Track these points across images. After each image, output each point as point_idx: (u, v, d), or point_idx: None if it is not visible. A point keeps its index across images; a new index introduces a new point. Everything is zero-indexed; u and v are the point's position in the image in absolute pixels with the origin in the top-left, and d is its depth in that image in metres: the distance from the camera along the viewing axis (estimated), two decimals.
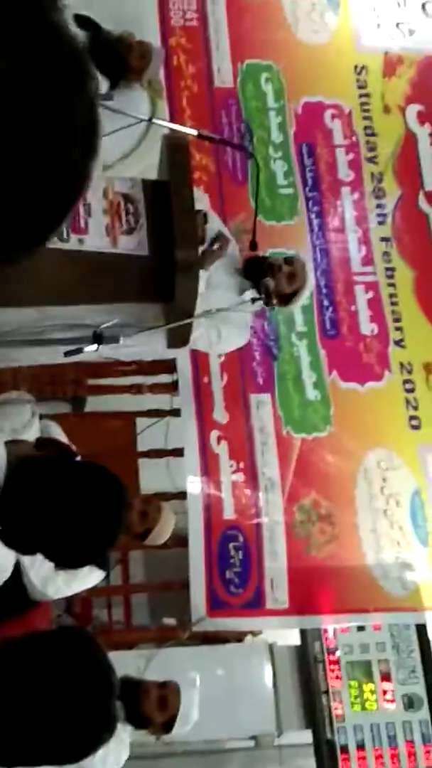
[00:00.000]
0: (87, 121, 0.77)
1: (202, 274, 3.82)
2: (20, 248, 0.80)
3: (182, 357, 5.22)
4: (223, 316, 4.02)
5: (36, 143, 0.72)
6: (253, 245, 4.16)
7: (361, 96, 6.13)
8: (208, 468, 5.15)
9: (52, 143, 0.73)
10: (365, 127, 6.07)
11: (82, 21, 4.45)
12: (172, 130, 4.30)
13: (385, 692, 5.04)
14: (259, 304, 4.12)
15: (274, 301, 4.13)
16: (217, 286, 4.00)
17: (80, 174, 0.78)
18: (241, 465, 5.20)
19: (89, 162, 0.79)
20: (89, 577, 4.10)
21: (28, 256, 0.81)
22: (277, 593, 5.04)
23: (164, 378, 5.45)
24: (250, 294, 4.10)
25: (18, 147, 0.71)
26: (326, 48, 6.21)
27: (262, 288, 4.11)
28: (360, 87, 6.14)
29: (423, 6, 6.39)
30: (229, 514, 5.10)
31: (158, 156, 3.99)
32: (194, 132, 4.07)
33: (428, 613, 5.14)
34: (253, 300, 4.09)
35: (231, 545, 5.06)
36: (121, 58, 4.94)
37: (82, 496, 2.53)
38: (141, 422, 5.66)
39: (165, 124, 4.40)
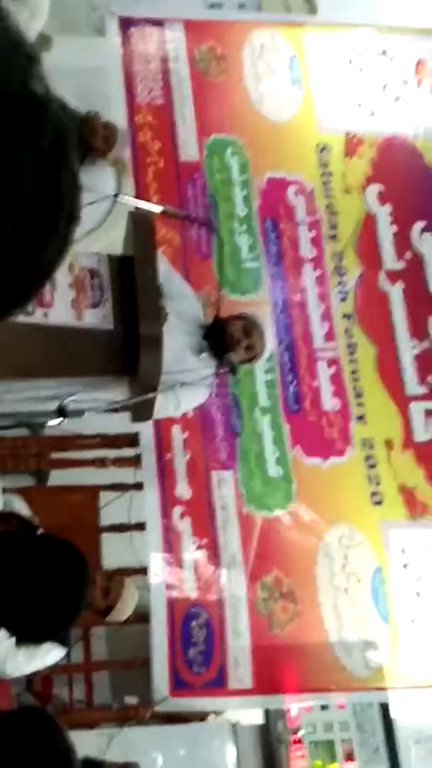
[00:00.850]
0: (72, 191, 0.77)
1: None
2: (5, 313, 0.80)
3: (145, 432, 5.21)
4: (188, 401, 4.06)
5: (25, 216, 0.73)
6: (218, 317, 4.20)
7: (323, 174, 6.22)
8: (171, 544, 5.11)
9: (41, 217, 0.74)
10: (327, 205, 6.15)
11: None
12: (137, 206, 4.34)
13: None
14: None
15: (238, 373, 4.17)
16: (173, 344, 4.01)
17: (65, 243, 0.79)
18: (204, 541, 5.17)
19: (72, 230, 0.79)
20: (50, 655, 4.03)
21: (6, 317, 0.81)
22: (240, 672, 4.98)
23: (128, 452, 5.43)
24: (209, 365, 4.12)
25: (9, 218, 0.72)
26: (289, 125, 6.32)
27: (226, 362, 4.13)
28: (322, 165, 6.24)
29: (383, 87, 6.53)
30: (191, 591, 5.06)
31: (123, 231, 4.03)
32: (159, 208, 4.12)
33: (391, 693, 5.09)
34: (217, 373, 4.10)
35: (194, 623, 5.01)
36: (85, 139, 5.01)
37: (45, 570, 2.51)
38: (104, 496, 5.62)
39: (130, 201, 4.43)
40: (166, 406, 4.04)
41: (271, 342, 4.38)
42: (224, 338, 4.18)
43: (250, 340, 4.22)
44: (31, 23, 4.34)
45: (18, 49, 0.74)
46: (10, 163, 0.71)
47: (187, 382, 3.97)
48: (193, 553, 5.11)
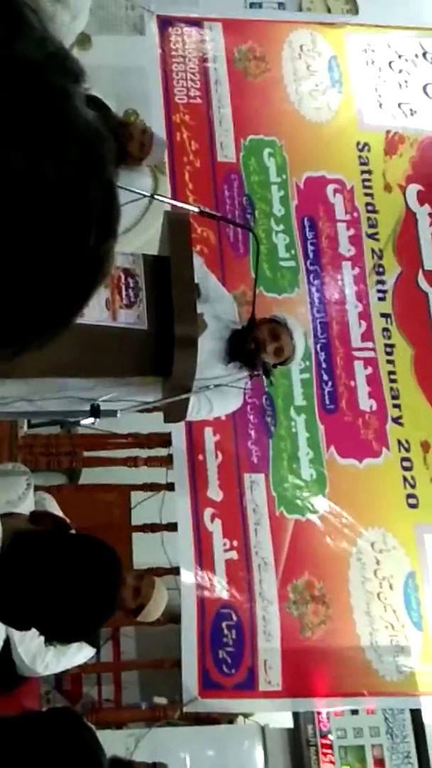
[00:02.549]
0: (104, 204, 0.77)
1: None
2: (40, 337, 0.79)
3: (177, 433, 5.20)
4: (219, 405, 4.05)
5: (50, 234, 0.72)
6: (252, 320, 4.16)
7: (363, 173, 6.18)
8: (202, 546, 5.10)
9: (67, 233, 0.73)
10: (366, 204, 6.11)
11: (88, 101, 4.50)
12: (173, 206, 4.33)
13: None
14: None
15: (272, 378, 4.14)
16: (205, 349, 3.99)
17: (98, 261, 0.78)
18: (235, 543, 5.15)
19: (107, 247, 0.78)
20: (79, 654, 4.05)
21: (48, 342, 0.81)
22: (271, 675, 4.96)
23: (160, 451, 5.43)
24: (244, 372, 4.10)
25: (31, 239, 0.71)
26: (329, 126, 6.28)
27: (259, 364, 4.11)
28: (362, 164, 6.20)
29: (424, 87, 6.48)
30: (222, 592, 5.04)
31: (159, 231, 4.02)
32: (196, 208, 4.10)
33: (423, 698, 5.06)
34: (251, 376, 4.08)
35: (224, 624, 5.00)
36: (121, 144, 4.99)
37: (78, 570, 2.50)
38: (136, 495, 5.62)
39: (167, 201, 4.42)
40: (198, 408, 4.03)
41: (302, 344, 4.33)
42: (251, 342, 4.13)
43: (278, 343, 4.17)
44: (73, 25, 4.33)
45: (52, 63, 0.74)
46: (28, 180, 0.70)
47: (220, 384, 3.96)
48: (223, 554, 5.10)
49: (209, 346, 4.02)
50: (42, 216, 0.71)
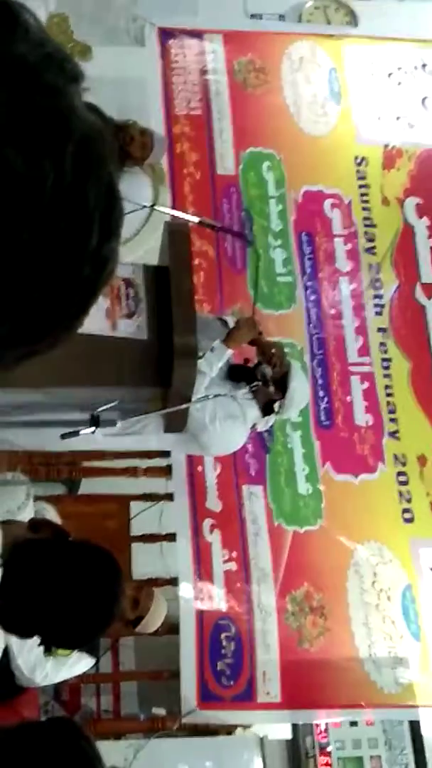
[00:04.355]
0: (106, 203, 0.76)
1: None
2: (44, 341, 0.79)
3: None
4: (224, 415, 4.04)
5: (50, 235, 0.71)
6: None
7: (360, 187, 6.20)
8: (201, 556, 5.10)
9: (67, 234, 0.73)
10: (364, 218, 6.13)
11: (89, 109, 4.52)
12: (173, 216, 4.34)
13: None
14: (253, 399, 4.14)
15: (272, 389, 4.14)
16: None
17: (101, 262, 0.77)
18: (234, 554, 5.15)
19: (110, 247, 0.78)
20: (78, 665, 4.04)
21: (53, 346, 0.80)
22: (269, 686, 4.96)
23: (159, 461, 5.43)
24: (244, 388, 4.11)
25: (31, 240, 0.71)
26: (327, 138, 6.31)
27: (258, 374, 4.13)
28: (360, 178, 6.22)
29: (423, 101, 6.51)
30: (221, 604, 5.04)
31: (159, 241, 4.03)
32: (196, 219, 4.11)
33: (422, 710, 5.05)
34: (251, 388, 4.09)
35: (223, 635, 4.99)
36: (121, 147, 5.01)
37: (79, 576, 2.50)
38: (135, 506, 5.62)
39: (167, 211, 4.44)
40: (201, 420, 4.03)
41: (303, 392, 4.36)
42: (257, 353, 4.18)
43: (266, 357, 4.20)
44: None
45: (50, 63, 0.74)
46: (27, 180, 0.69)
47: (220, 394, 3.97)
48: (222, 565, 5.10)
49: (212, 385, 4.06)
50: (41, 217, 0.70)
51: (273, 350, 4.23)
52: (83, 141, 0.73)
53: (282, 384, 4.17)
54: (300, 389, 4.25)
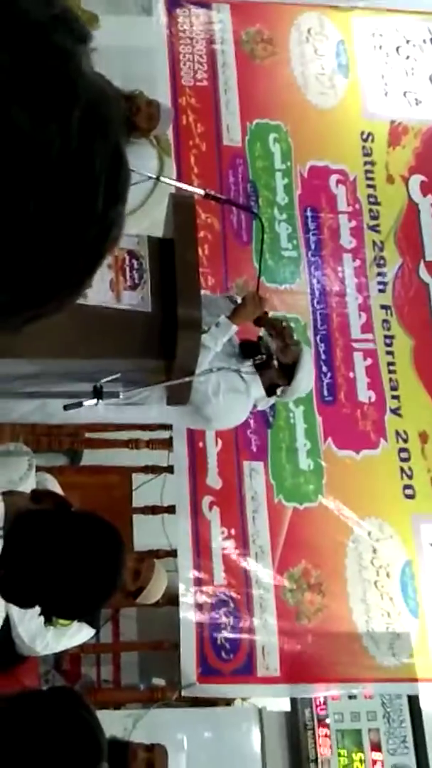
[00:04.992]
0: (112, 168, 0.75)
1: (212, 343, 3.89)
2: (50, 303, 0.79)
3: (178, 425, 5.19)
4: (227, 388, 4.04)
5: (56, 197, 0.71)
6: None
7: (366, 164, 6.19)
8: (200, 533, 5.11)
9: (73, 197, 0.72)
10: (369, 195, 6.11)
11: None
12: (178, 188, 4.32)
13: (374, 762, 4.96)
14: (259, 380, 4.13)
15: (275, 363, 4.13)
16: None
17: (107, 225, 0.77)
18: (233, 532, 5.16)
19: (116, 212, 0.77)
20: (79, 634, 4.06)
21: (59, 309, 0.80)
22: (269, 661, 4.99)
23: (162, 434, 5.43)
24: (248, 363, 4.11)
25: (37, 202, 0.70)
26: (334, 112, 6.29)
27: (262, 346, 4.13)
28: (366, 155, 6.20)
29: (431, 77, 6.47)
30: (219, 579, 5.06)
31: (164, 213, 4.01)
32: (201, 191, 4.09)
33: (420, 684, 5.08)
34: (255, 360, 4.09)
35: (222, 610, 5.01)
36: (128, 118, 4.98)
37: (81, 546, 2.51)
38: (137, 478, 5.63)
39: (172, 183, 4.42)
40: (204, 392, 4.02)
41: (308, 381, 4.36)
42: (261, 325, 4.18)
43: (276, 331, 4.20)
44: None
45: (58, 24, 0.73)
46: (33, 141, 0.69)
47: (224, 367, 3.97)
48: (221, 542, 5.12)
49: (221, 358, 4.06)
50: (47, 178, 0.70)
51: (283, 324, 4.23)
52: (90, 104, 0.73)
53: (290, 370, 4.16)
54: (306, 379, 4.25)
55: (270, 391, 4.18)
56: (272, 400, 4.30)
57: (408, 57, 6.49)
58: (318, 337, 5.65)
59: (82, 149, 0.72)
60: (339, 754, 4.95)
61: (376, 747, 4.98)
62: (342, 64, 6.41)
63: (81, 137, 0.71)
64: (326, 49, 6.41)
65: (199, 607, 4.98)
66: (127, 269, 3.70)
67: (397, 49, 6.50)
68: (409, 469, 5.50)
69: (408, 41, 6.53)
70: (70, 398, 3.72)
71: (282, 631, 5.05)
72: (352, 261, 5.93)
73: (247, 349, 4.20)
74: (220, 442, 5.27)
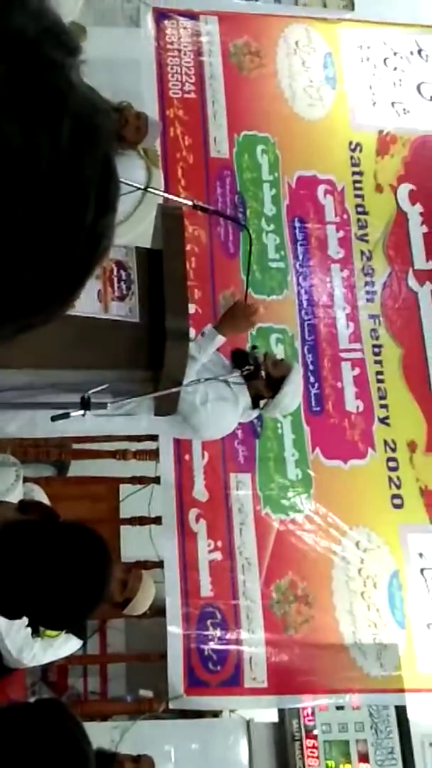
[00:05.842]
0: (102, 178, 0.75)
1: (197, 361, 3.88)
2: (39, 314, 0.79)
3: (164, 437, 5.18)
4: (215, 397, 4.03)
5: (46, 208, 0.71)
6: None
7: (354, 173, 6.20)
8: (186, 545, 5.11)
9: (63, 208, 0.72)
10: (357, 205, 6.13)
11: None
12: (166, 199, 4.33)
13: None
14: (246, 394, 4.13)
15: (263, 374, 4.12)
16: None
17: (96, 236, 0.77)
18: (219, 544, 5.16)
19: (106, 223, 0.77)
20: (66, 646, 4.05)
21: (48, 320, 0.80)
22: (256, 672, 4.98)
23: (149, 444, 5.43)
24: (236, 373, 4.10)
25: (27, 214, 0.70)
26: (322, 123, 6.31)
27: (251, 358, 4.12)
28: (354, 164, 6.22)
29: (418, 87, 6.50)
30: (206, 591, 5.06)
31: (152, 224, 4.01)
32: (189, 202, 4.09)
33: (407, 695, 5.08)
34: (243, 372, 4.08)
35: (209, 622, 5.01)
36: (116, 130, 4.98)
37: (68, 556, 2.50)
38: (124, 488, 5.62)
39: (160, 194, 4.42)
40: (192, 402, 4.01)
41: (299, 384, 4.35)
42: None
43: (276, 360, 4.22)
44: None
45: (48, 36, 0.72)
46: (23, 153, 0.68)
47: (212, 377, 3.96)
48: (208, 555, 5.11)
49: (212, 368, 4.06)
50: (37, 190, 0.70)
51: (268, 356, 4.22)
52: (80, 115, 0.72)
53: (276, 384, 4.14)
54: (291, 395, 4.21)
55: (254, 402, 4.17)
56: (255, 412, 4.29)
57: (395, 68, 6.52)
58: (306, 348, 5.66)
59: (72, 160, 0.71)
60: (327, 766, 4.94)
61: (364, 758, 4.97)
62: (329, 76, 6.43)
63: (71, 148, 0.71)
64: (314, 62, 6.43)
65: (186, 618, 4.98)
66: (115, 280, 3.70)
67: (385, 60, 6.53)
68: (398, 478, 5.51)
69: (395, 53, 6.56)
70: (58, 409, 3.72)
71: (269, 643, 5.05)
72: (340, 271, 5.94)
73: (237, 359, 4.19)
74: (206, 454, 5.27)
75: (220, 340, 3.99)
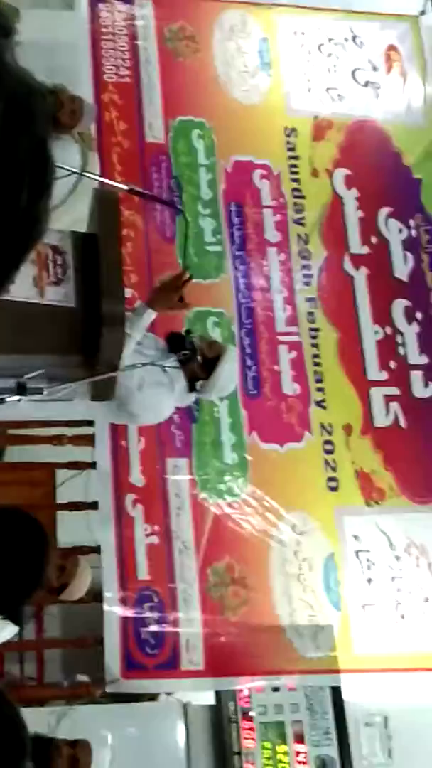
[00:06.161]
0: (37, 161, 0.75)
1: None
2: None
3: (100, 423, 5.18)
4: (152, 382, 4.02)
5: None
6: (181, 300, 4.16)
7: (290, 158, 6.22)
8: (123, 530, 5.12)
9: None
10: (293, 189, 6.15)
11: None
12: (102, 183, 4.30)
13: (298, 754, 4.99)
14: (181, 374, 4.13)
15: (199, 359, 4.13)
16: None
17: (31, 220, 0.76)
18: (156, 528, 5.17)
19: (41, 206, 0.77)
20: (2, 632, 4.02)
21: None
22: (193, 654, 5.01)
23: (86, 430, 5.41)
24: (173, 358, 4.09)
25: None
26: (258, 108, 6.31)
27: (187, 343, 4.12)
28: (290, 149, 6.24)
29: (353, 73, 6.53)
30: (143, 575, 5.06)
31: (87, 209, 3.99)
32: (125, 187, 4.08)
33: (343, 676, 5.13)
34: (179, 357, 4.08)
35: (146, 605, 5.02)
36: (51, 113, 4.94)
37: (6, 544, 2.50)
38: (61, 474, 5.60)
39: (96, 178, 4.40)
40: (128, 387, 4.01)
41: (231, 373, 4.36)
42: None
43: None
44: None
45: None
46: None
47: (148, 363, 3.96)
48: (145, 539, 5.12)
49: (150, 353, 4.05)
50: None
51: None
52: (15, 97, 0.72)
53: (211, 365, 4.15)
54: (226, 375, 4.21)
55: (191, 385, 4.18)
56: (193, 396, 4.30)
57: (330, 54, 6.54)
58: (243, 331, 5.68)
59: (6, 142, 0.71)
60: (263, 747, 4.97)
61: (300, 739, 5.01)
62: (265, 62, 6.44)
63: (4, 130, 0.70)
64: (249, 47, 6.43)
65: (123, 602, 4.98)
66: (51, 265, 3.67)
67: (320, 46, 6.55)
68: (333, 461, 5.55)
69: (330, 39, 6.58)
70: None
71: (206, 625, 5.07)
72: (277, 255, 5.96)
73: (173, 342, 4.19)
74: (143, 439, 5.27)
75: (152, 314, 3.96)
